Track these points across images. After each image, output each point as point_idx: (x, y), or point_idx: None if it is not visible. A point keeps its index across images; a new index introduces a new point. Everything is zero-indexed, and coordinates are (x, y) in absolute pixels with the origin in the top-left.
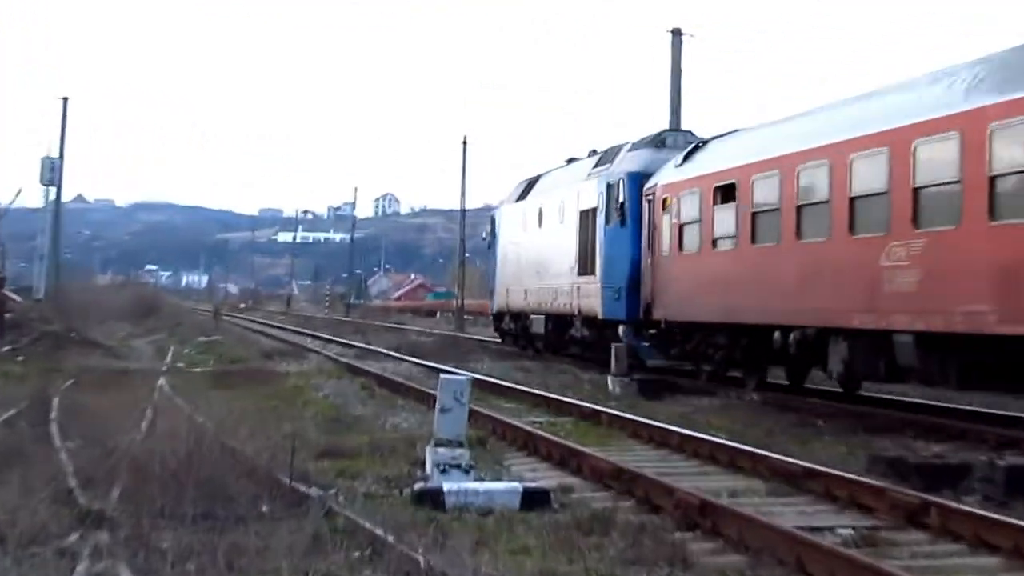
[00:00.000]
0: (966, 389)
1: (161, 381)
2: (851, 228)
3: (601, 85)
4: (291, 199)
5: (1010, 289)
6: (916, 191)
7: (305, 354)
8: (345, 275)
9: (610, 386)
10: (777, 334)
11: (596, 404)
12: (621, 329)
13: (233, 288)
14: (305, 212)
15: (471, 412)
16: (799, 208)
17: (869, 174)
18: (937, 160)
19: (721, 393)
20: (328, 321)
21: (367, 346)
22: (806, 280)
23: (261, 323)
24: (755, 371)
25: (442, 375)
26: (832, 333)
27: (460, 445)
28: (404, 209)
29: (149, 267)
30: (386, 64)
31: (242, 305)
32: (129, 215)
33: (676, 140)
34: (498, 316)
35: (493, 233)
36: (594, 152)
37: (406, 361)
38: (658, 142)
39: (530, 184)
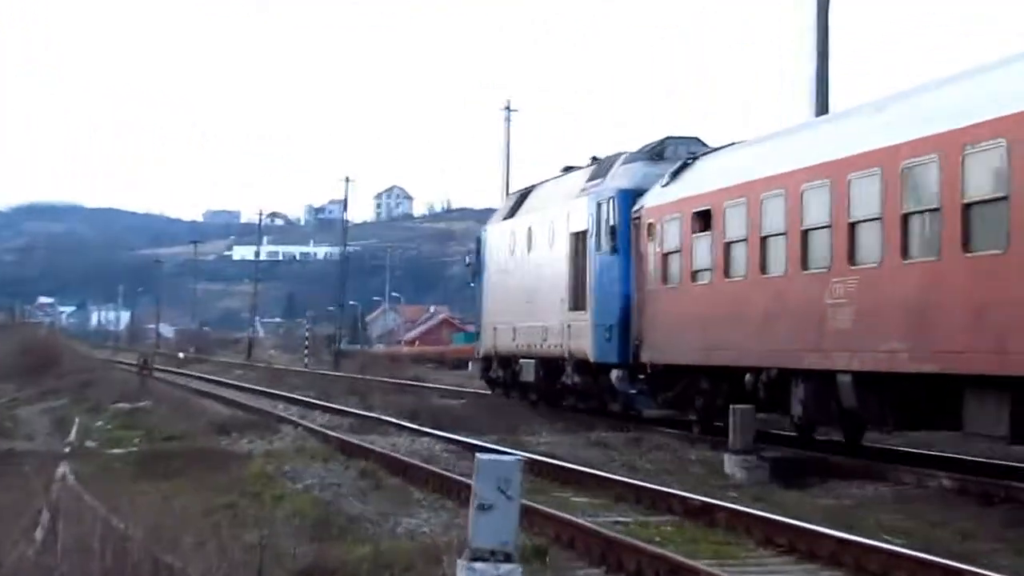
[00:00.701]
0: (903, 429)
1: (63, 469)
2: (803, 263)
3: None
4: (251, 199)
5: (918, 327)
6: (851, 226)
7: (276, 426)
8: (333, 308)
9: (728, 468)
10: (748, 377)
11: (708, 495)
12: (614, 375)
13: (168, 330)
14: (273, 216)
15: (523, 510)
16: (763, 240)
17: (817, 206)
18: (865, 195)
19: (892, 477)
20: (309, 376)
21: (368, 413)
22: (769, 318)
23: (211, 380)
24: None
25: (479, 456)
26: (792, 375)
27: (508, 558)
28: (418, 209)
29: (43, 299)
30: (384, 28)
31: (181, 355)
32: (12, 224)
33: (677, 151)
34: (486, 361)
35: (479, 257)
36: (595, 160)
37: (425, 434)
38: (655, 153)
39: (522, 197)
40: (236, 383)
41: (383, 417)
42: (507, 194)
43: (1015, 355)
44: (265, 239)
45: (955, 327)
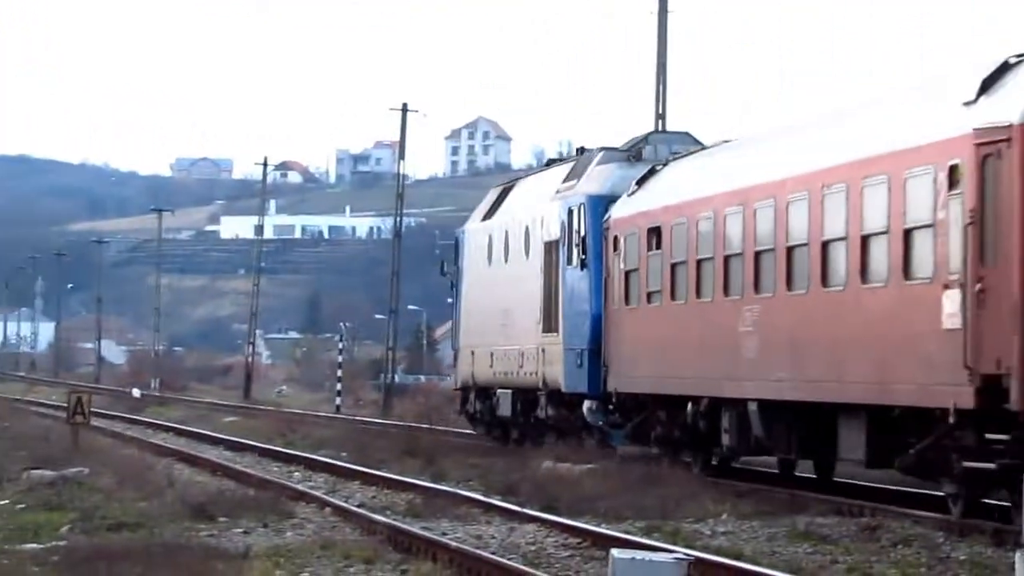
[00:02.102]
0: (806, 458)
1: None
2: (725, 290)
3: None
4: (249, 143)
5: (796, 357)
6: (757, 255)
7: (290, 506)
8: (381, 316)
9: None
10: (690, 407)
11: None
12: (585, 406)
13: (116, 352)
14: (284, 169)
15: None
16: (699, 263)
17: (735, 232)
18: (765, 225)
19: None
20: (343, 427)
21: (436, 485)
22: (703, 345)
23: (185, 432)
24: (701, 450)
25: (617, 554)
26: (721, 404)
27: None
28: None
29: None
30: None
31: (137, 392)
32: None
33: (657, 151)
34: (464, 392)
35: (457, 263)
36: (580, 151)
37: (530, 519)
38: (634, 153)
39: (503, 193)
40: (226, 436)
41: (461, 492)
42: (659, 129)
43: (855, 384)
44: (272, 204)
45: (818, 358)
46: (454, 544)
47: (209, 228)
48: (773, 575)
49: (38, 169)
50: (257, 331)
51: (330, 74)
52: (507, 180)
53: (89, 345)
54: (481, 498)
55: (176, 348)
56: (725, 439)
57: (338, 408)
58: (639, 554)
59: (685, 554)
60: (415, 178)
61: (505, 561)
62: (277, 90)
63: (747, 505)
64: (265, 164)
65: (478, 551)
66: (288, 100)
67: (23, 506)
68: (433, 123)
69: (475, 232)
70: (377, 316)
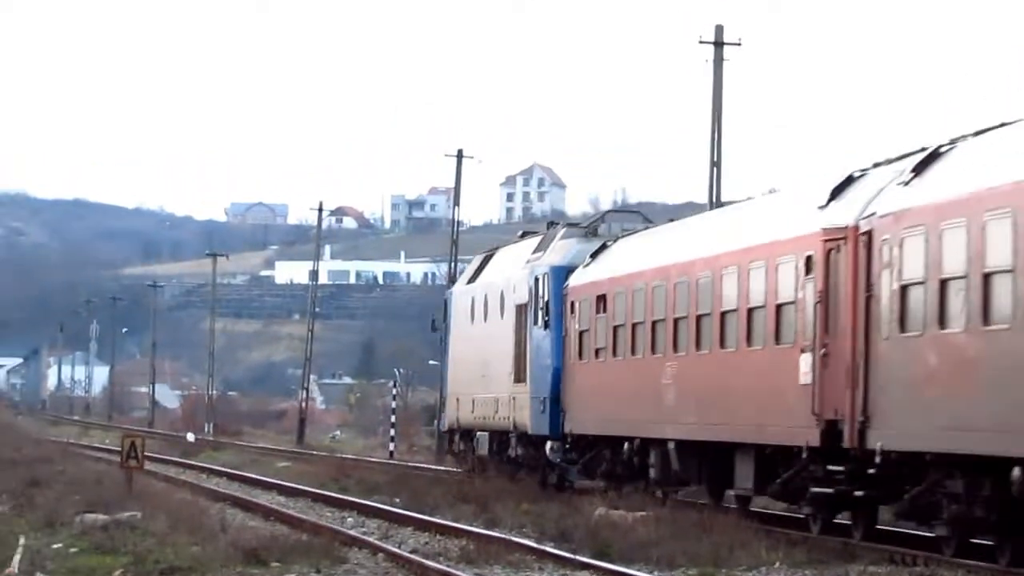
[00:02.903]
0: (712, 487)
1: None
2: (652, 349)
3: None
4: (304, 188)
5: (704, 404)
6: (675, 320)
7: (342, 551)
8: (436, 362)
9: None
10: (626, 445)
11: None
12: (548, 446)
13: (169, 396)
14: (339, 215)
15: None
16: (634, 326)
17: (660, 301)
18: (682, 297)
19: None
20: (397, 473)
21: (490, 531)
22: (636, 394)
23: (238, 477)
24: (639, 482)
25: None
26: (649, 444)
27: None
28: (575, 204)
29: None
30: None
31: (191, 436)
32: None
33: (611, 228)
34: (450, 434)
35: (446, 320)
36: (550, 225)
37: (582, 566)
38: (591, 229)
39: (486, 260)
40: (279, 481)
41: (514, 538)
42: (714, 180)
43: (743, 427)
44: (327, 249)
45: (717, 406)
46: None
47: (264, 273)
48: None
49: (94, 213)
50: (311, 376)
51: (385, 120)
52: (489, 249)
53: (143, 389)
54: (534, 544)
55: (230, 392)
56: (652, 472)
57: (391, 453)
58: None
59: None
60: (470, 224)
61: None
62: (332, 135)
63: (800, 553)
64: (320, 209)
65: None
66: (343, 145)
67: (76, 550)
68: (488, 169)
69: (461, 294)
70: (431, 362)
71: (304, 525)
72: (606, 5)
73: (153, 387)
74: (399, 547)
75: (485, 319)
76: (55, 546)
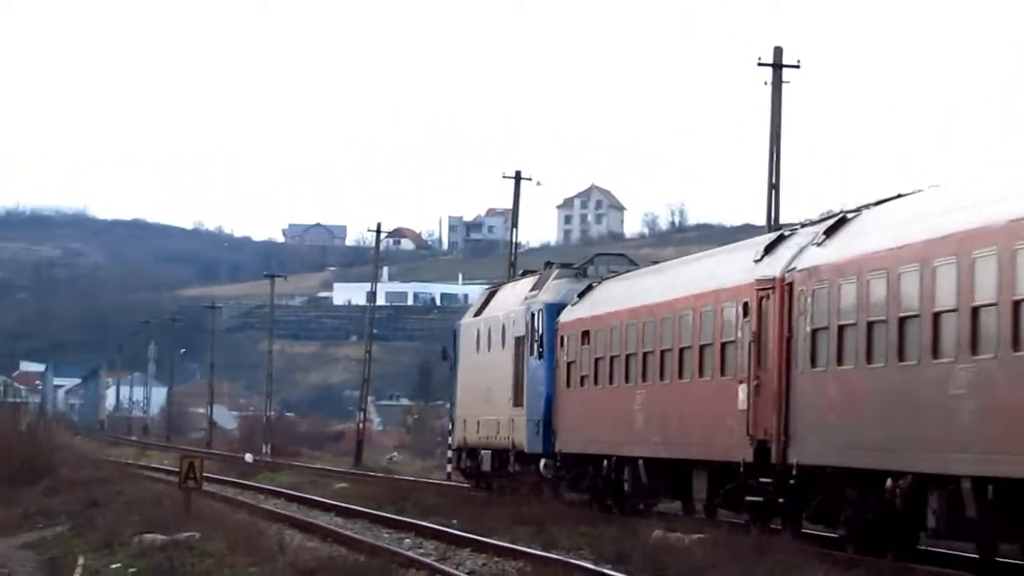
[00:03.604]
0: (676, 499)
1: None
2: (626, 378)
3: None
4: (362, 210)
5: (665, 427)
6: (644, 354)
7: (399, 573)
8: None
9: None
10: (605, 463)
11: None
12: (542, 463)
13: (227, 417)
14: (397, 237)
15: None
16: (611, 358)
17: (632, 337)
18: (649, 334)
19: None
20: (454, 495)
21: (547, 553)
22: (613, 418)
23: (296, 498)
24: (616, 496)
25: None
26: (623, 462)
27: None
28: (632, 225)
29: (28, 367)
30: None
31: (249, 457)
32: None
33: (598, 270)
34: (458, 452)
35: (454, 350)
36: (548, 264)
37: None
38: (581, 270)
39: (490, 296)
40: (337, 502)
41: (571, 560)
42: (773, 202)
43: (696, 446)
44: (385, 271)
45: (676, 427)
46: None
47: (322, 294)
48: None
49: (152, 234)
50: (369, 397)
51: (443, 141)
52: (494, 286)
53: (201, 410)
54: (591, 567)
55: (288, 414)
56: (626, 487)
57: (449, 475)
58: None
59: None
60: (528, 246)
61: None
62: (390, 157)
63: None
64: (378, 231)
65: None
66: (401, 167)
67: (135, 570)
68: (546, 191)
69: (468, 326)
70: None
71: (362, 546)
72: (667, 27)
73: (211, 408)
74: (456, 569)
75: (489, 349)
76: (114, 566)
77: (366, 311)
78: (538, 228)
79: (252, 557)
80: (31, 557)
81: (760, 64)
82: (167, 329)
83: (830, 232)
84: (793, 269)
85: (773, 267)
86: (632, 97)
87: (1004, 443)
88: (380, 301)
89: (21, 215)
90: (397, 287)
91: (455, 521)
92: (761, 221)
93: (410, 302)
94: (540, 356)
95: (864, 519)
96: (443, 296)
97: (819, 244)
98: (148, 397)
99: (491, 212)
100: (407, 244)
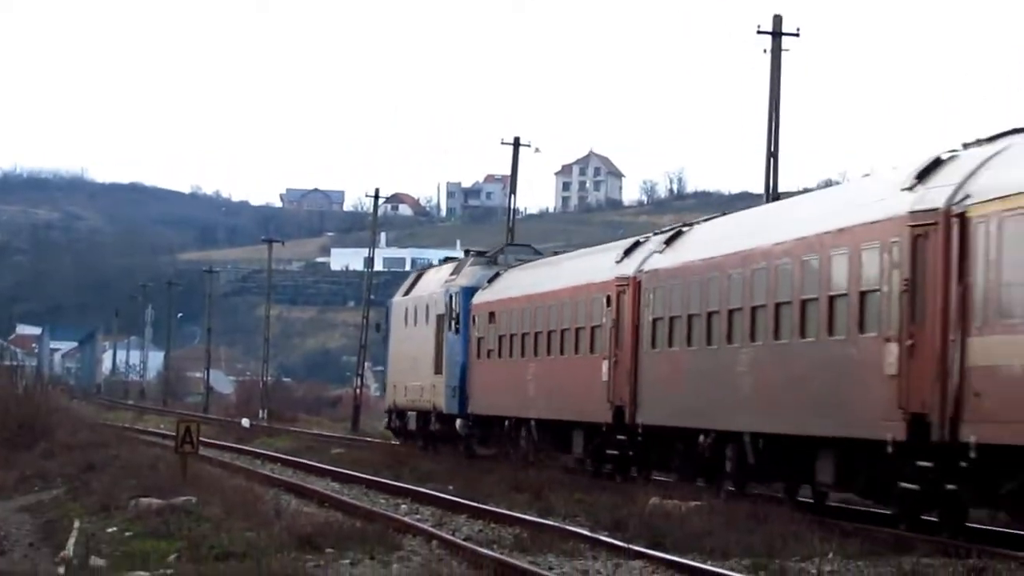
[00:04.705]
0: (554, 450)
1: None
2: (521, 353)
3: None
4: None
5: (551, 394)
6: (536, 334)
7: (397, 538)
8: None
9: None
10: (506, 422)
11: None
12: (458, 423)
13: (224, 381)
14: (395, 202)
15: None
16: (511, 336)
17: (527, 319)
18: (540, 316)
19: None
20: (451, 460)
21: (543, 519)
22: (512, 386)
23: (293, 463)
24: (515, 447)
25: None
26: (521, 422)
27: None
28: (631, 192)
29: (24, 330)
30: None
31: (246, 422)
32: None
33: (507, 259)
34: (389, 413)
35: (387, 324)
36: (468, 252)
37: (636, 555)
38: (493, 258)
39: (417, 278)
40: (333, 468)
41: (568, 527)
42: (771, 170)
43: (567, 410)
44: (383, 237)
45: (558, 396)
46: None
47: (319, 259)
48: None
49: (149, 198)
50: (366, 363)
51: (442, 107)
52: (421, 269)
53: (198, 374)
54: (588, 533)
55: (285, 379)
56: (522, 443)
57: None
58: None
59: None
60: (526, 212)
61: None
62: (388, 123)
63: (853, 545)
64: (376, 196)
65: None
66: (399, 133)
67: (131, 534)
68: (544, 158)
69: (399, 303)
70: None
71: (359, 512)
72: None
73: (208, 372)
74: (453, 535)
75: (415, 324)
76: (110, 530)
77: (364, 276)
78: (536, 195)
79: (249, 522)
80: (27, 520)
81: (759, 32)
82: (164, 293)
83: (669, 242)
84: (642, 271)
85: (629, 268)
86: (631, 64)
87: (769, 408)
88: (378, 267)
89: (19, 178)
90: (395, 253)
91: (452, 487)
92: (759, 189)
93: (408, 268)
94: (457, 332)
95: (687, 465)
96: (440, 261)
97: (660, 252)
98: (145, 361)
99: (489, 179)
100: (405, 210)
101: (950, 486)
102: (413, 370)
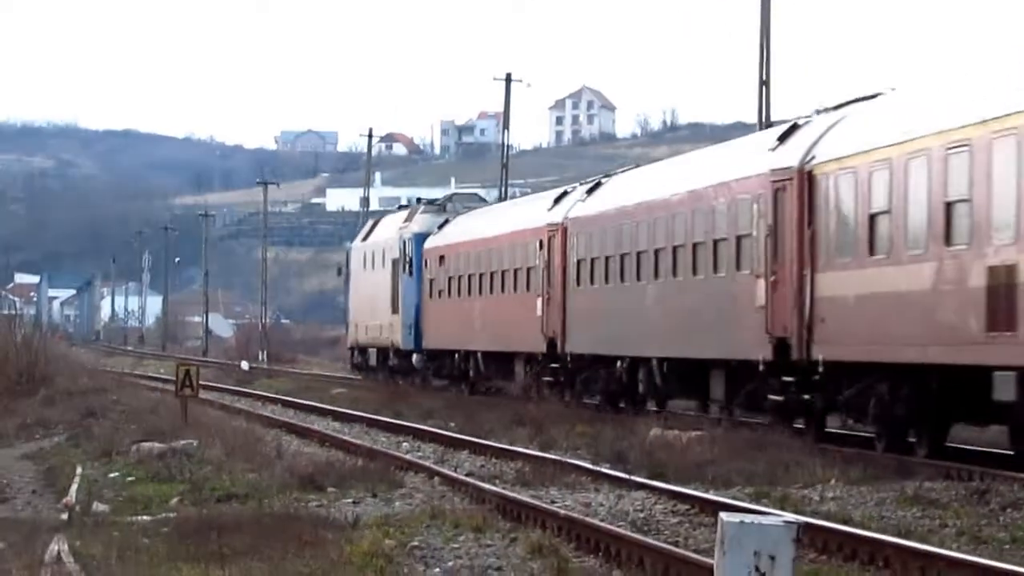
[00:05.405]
0: (484, 381)
1: (56, 547)
2: (469, 292)
3: None
4: (353, 116)
5: (495, 328)
6: (480, 275)
7: (399, 476)
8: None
9: None
10: (455, 355)
11: None
12: (414, 358)
13: (223, 325)
14: (389, 141)
15: None
16: (459, 277)
17: (474, 262)
18: (483, 259)
19: None
20: (451, 398)
21: (545, 454)
22: (461, 321)
23: (294, 404)
24: (465, 380)
25: (725, 517)
26: (469, 353)
27: None
28: (625, 126)
29: (22, 278)
30: None
31: (245, 364)
32: None
33: (456, 207)
34: (351, 350)
35: (347, 269)
36: (419, 200)
37: (639, 487)
38: (441, 207)
39: (375, 224)
40: (334, 408)
41: (569, 460)
42: (764, 99)
43: (512, 340)
44: (378, 176)
45: (500, 329)
46: (563, 512)
47: (315, 201)
48: (882, 539)
49: (144, 143)
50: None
51: (434, 45)
52: (378, 217)
53: (197, 319)
54: (589, 466)
55: (284, 321)
56: (471, 373)
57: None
58: (748, 517)
59: (795, 519)
60: (520, 148)
61: (614, 528)
62: (381, 62)
63: (855, 471)
64: (370, 136)
65: (587, 518)
66: (392, 72)
67: (133, 478)
68: (537, 93)
69: (358, 248)
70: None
71: (360, 451)
72: None
73: (207, 316)
74: (455, 471)
75: (373, 268)
76: (112, 475)
77: (360, 216)
78: (530, 130)
79: (250, 463)
80: (29, 467)
81: None
82: (161, 238)
83: (590, 192)
84: (568, 218)
85: (557, 215)
86: None
87: (671, 336)
88: (374, 206)
89: (12, 127)
90: (390, 192)
91: (453, 424)
92: (753, 119)
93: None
94: (411, 274)
95: (608, 388)
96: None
97: (583, 201)
98: (143, 307)
99: (483, 115)
100: (399, 149)
101: (806, 396)
102: (372, 310)
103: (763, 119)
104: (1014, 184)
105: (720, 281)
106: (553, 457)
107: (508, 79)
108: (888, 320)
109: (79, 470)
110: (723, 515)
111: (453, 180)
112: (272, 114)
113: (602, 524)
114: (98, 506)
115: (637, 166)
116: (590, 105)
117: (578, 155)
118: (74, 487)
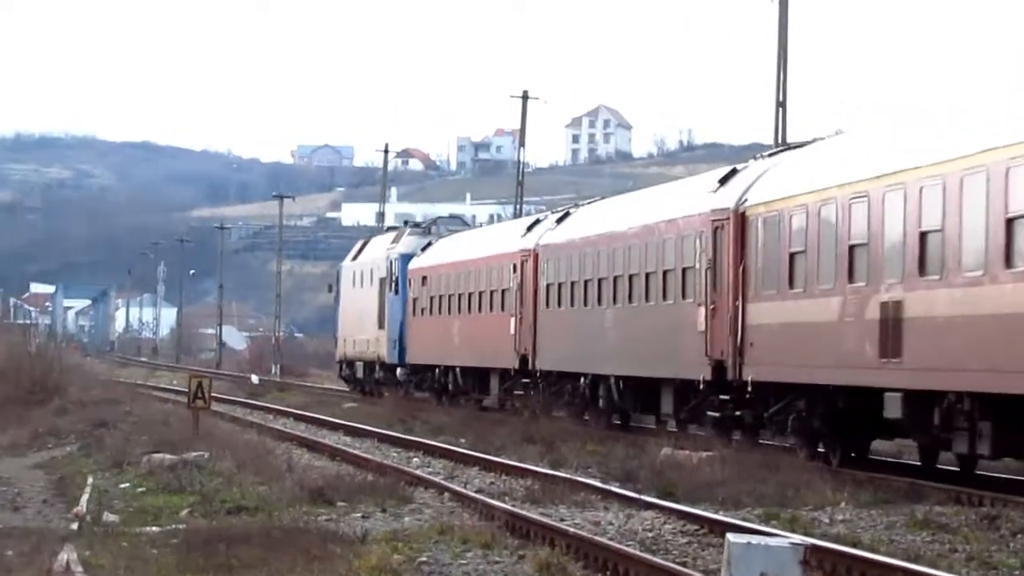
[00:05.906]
0: (467, 395)
1: (66, 556)
2: (449, 311)
3: None
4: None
5: (469, 346)
6: (459, 295)
7: (408, 491)
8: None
9: None
10: (437, 370)
11: None
12: (399, 372)
13: (237, 337)
14: (405, 157)
15: None
16: (440, 296)
17: (454, 282)
18: (462, 280)
19: None
20: (462, 414)
21: (555, 471)
22: (441, 338)
23: (305, 418)
24: (445, 392)
25: (732, 538)
26: (448, 368)
27: None
28: (641, 146)
29: (37, 288)
30: None
31: (256, 378)
32: None
33: (439, 230)
34: (340, 364)
35: (338, 286)
36: (406, 223)
37: (648, 506)
38: (425, 230)
39: (363, 245)
40: (345, 422)
41: (579, 478)
42: (780, 121)
43: (487, 355)
44: (394, 192)
45: (473, 347)
46: (572, 530)
47: (330, 215)
48: (891, 562)
49: (161, 155)
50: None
51: (451, 62)
52: (367, 237)
53: (210, 331)
54: (599, 484)
55: (297, 334)
56: (450, 386)
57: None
58: (755, 539)
59: (802, 540)
60: (536, 166)
61: (623, 547)
62: (398, 78)
63: (866, 494)
64: (386, 151)
65: (596, 537)
66: (409, 88)
67: (144, 489)
68: (554, 111)
69: (348, 267)
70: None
71: (370, 465)
72: None
73: (220, 329)
74: (464, 487)
75: (362, 286)
76: (123, 486)
77: (375, 231)
78: (546, 148)
79: (260, 476)
80: (41, 477)
81: None
82: (176, 250)
83: (560, 221)
84: (539, 244)
85: (530, 241)
86: (639, 16)
87: (626, 356)
88: (389, 221)
89: (31, 137)
90: (406, 207)
91: (463, 440)
92: (769, 139)
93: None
94: (396, 292)
95: (573, 402)
96: (451, 216)
97: (552, 229)
98: (158, 318)
99: (499, 132)
100: (415, 164)
101: (738, 413)
102: (360, 326)
103: (779, 140)
104: (900, 231)
105: (668, 308)
106: (563, 475)
107: (525, 96)
108: (804, 346)
109: (90, 480)
110: (730, 536)
111: (468, 196)
112: (289, 128)
113: (611, 543)
114: (108, 516)
115: (603, 197)
116: (607, 124)
117: (594, 173)
118: (85, 497)
